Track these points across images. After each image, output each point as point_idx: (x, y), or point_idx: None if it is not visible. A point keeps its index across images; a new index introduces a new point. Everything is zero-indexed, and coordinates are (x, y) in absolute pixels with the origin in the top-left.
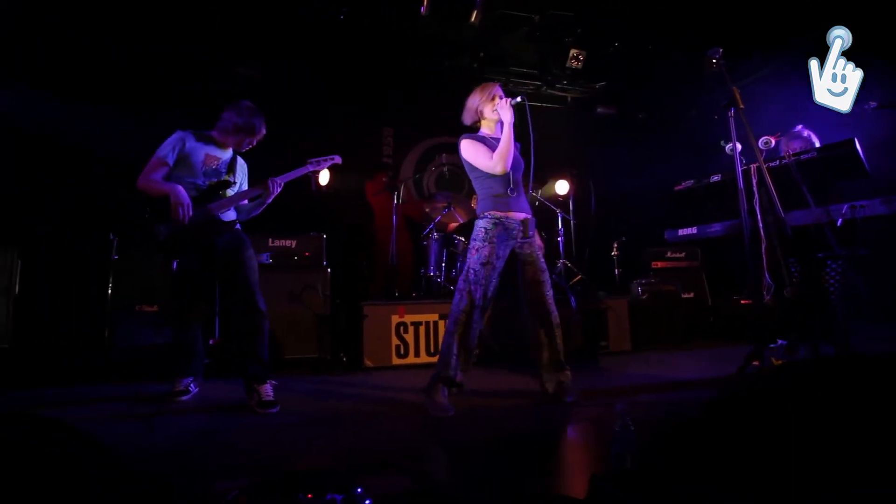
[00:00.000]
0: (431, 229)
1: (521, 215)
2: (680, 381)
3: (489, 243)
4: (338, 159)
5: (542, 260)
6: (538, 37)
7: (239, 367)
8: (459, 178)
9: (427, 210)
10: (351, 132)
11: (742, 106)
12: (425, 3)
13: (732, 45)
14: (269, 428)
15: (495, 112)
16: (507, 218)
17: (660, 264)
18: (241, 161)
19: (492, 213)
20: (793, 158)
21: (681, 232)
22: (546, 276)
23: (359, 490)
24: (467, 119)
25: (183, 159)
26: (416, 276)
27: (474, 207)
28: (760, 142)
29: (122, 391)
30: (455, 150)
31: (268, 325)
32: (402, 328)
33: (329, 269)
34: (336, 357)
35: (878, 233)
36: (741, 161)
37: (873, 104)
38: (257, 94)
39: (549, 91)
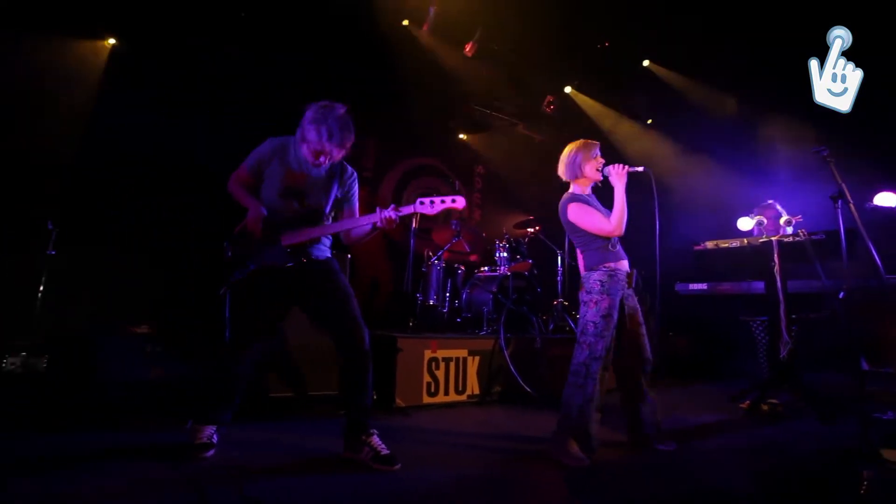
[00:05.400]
0: (440, 256)
1: (627, 266)
2: (700, 424)
3: (607, 295)
4: (461, 203)
5: (640, 312)
6: (521, 79)
7: (346, 414)
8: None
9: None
10: None
11: (851, 201)
12: (427, 20)
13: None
14: (426, 495)
15: (597, 172)
16: (617, 269)
17: None
18: (344, 175)
19: (606, 265)
20: (808, 237)
21: (691, 286)
22: (644, 329)
23: None
24: (567, 175)
25: (265, 173)
26: (401, 301)
27: (485, 237)
28: (756, 221)
29: (105, 441)
30: (431, 172)
31: (372, 366)
32: (433, 364)
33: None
34: None
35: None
36: (761, 234)
37: (872, 204)
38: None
39: (521, 131)
